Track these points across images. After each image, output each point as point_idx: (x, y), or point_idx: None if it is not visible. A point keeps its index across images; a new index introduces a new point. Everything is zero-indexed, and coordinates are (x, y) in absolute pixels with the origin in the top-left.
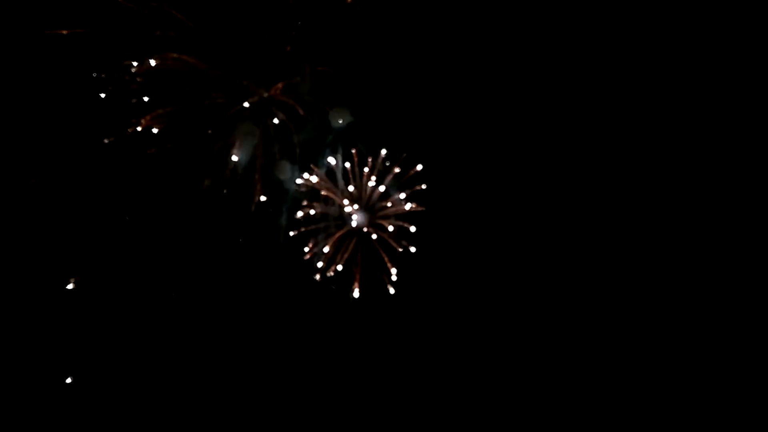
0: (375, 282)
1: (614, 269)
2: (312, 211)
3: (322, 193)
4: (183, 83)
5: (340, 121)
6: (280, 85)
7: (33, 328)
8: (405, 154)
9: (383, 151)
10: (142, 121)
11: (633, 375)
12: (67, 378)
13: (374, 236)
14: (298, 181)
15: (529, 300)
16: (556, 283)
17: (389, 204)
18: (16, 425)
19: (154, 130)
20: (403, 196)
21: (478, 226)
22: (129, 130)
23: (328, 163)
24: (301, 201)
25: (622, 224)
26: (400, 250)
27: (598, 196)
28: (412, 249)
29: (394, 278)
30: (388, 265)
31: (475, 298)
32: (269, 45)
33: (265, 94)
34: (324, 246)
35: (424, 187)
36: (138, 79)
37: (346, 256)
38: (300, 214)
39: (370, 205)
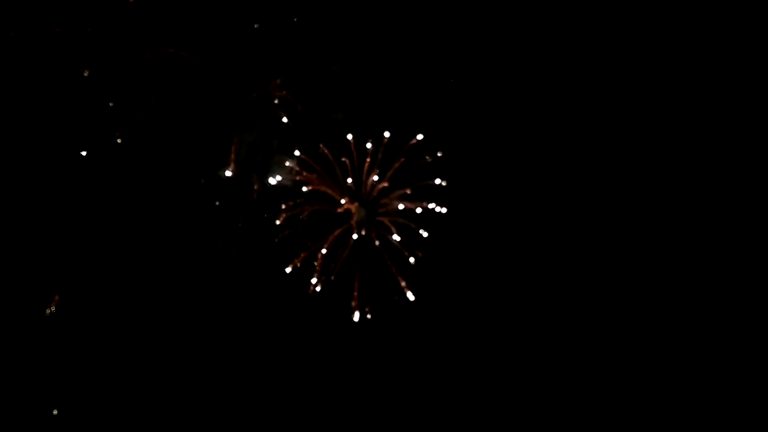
0: (377, 297)
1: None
2: (301, 216)
3: (315, 188)
4: (179, 79)
5: (339, 115)
6: (278, 81)
7: (31, 328)
8: (416, 138)
9: (387, 134)
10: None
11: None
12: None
13: (375, 238)
14: (294, 176)
15: (565, 320)
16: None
17: (400, 206)
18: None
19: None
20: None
21: (501, 229)
22: (122, 129)
23: (326, 156)
24: (296, 198)
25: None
26: (411, 259)
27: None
28: (420, 255)
29: (409, 296)
30: (398, 277)
31: (498, 316)
32: (267, 41)
33: (262, 91)
34: (318, 251)
35: (440, 182)
36: (134, 75)
37: (344, 256)
38: (293, 212)
39: (370, 201)
